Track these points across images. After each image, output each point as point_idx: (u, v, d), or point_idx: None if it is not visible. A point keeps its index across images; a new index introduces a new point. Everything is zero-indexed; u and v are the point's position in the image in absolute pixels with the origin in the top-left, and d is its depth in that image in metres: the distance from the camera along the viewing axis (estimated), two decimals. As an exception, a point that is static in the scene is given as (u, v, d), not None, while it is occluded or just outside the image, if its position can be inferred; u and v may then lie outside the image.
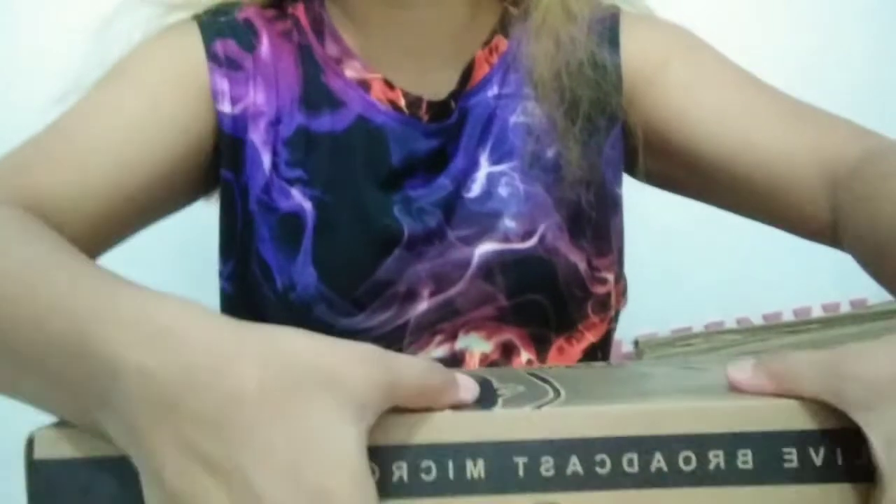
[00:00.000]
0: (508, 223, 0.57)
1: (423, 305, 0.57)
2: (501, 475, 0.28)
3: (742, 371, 0.32)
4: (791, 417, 0.29)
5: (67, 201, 0.49)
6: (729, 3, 1.08)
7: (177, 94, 0.55)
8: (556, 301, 0.58)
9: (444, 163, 0.58)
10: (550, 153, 0.59)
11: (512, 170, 0.58)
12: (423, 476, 0.28)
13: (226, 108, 0.56)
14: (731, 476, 0.28)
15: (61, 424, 0.31)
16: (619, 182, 0.62)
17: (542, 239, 0.57)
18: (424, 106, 0.59)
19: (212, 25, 0.58)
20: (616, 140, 0.61)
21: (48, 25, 0.92)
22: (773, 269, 1.08)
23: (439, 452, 0.29)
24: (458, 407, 0.30)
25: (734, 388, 0.32)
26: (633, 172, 0.63)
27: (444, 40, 0.60)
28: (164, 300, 0.29)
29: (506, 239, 0.57)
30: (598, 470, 0.28)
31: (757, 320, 1.07)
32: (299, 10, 0.61)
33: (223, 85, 0.56)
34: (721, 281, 1.11)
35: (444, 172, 0.58)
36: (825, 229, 0.53)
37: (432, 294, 0.57)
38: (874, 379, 0.27)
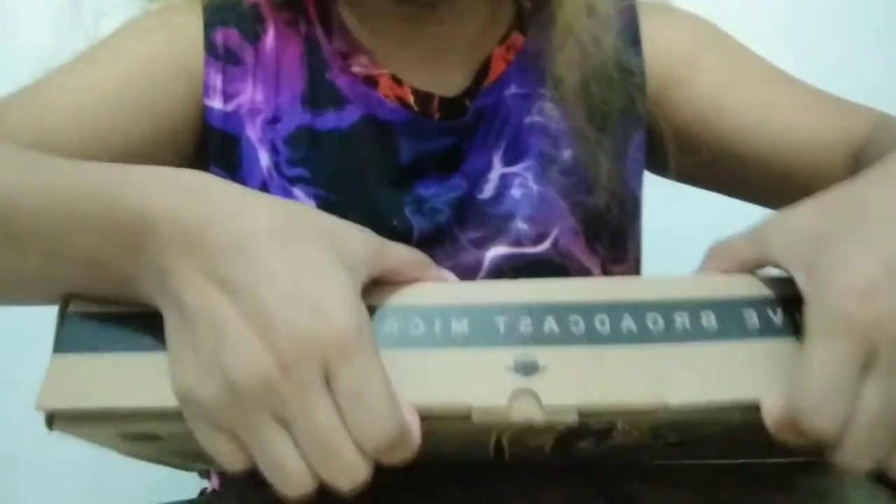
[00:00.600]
0: (520, 225, 0.56)
1: None
2: (484, 331, 0.31)
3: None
4: (748, 286, 0.32)
5: None
6: (740, 9, 1.08)
7: (163, 78, 0.53)
8: None
9: (458, 162, 0.57)
10: (567, 155, 0.57)
11: (525, 170, 0.57)
12: (412, 331, 0.31)
13: (216, 104, 0.54)
14: (696, 334, 0.30)
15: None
16: (640, 186, 0.61)
17: (555, 243, 0.56)
18: (436, 103, 0.57)
19: (217, 11, 0.56)
20: (639, 143, 0.60)
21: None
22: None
23: (427, 312, 0.32)
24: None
25: None
26: (660, 171, 0.62)
27: (461, 46, 0.58)
28: (176, 168, 0.33)
29: (517, 242, 0.56)
30: (573, 329, 0.30)
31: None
32: (309, 1, 0.59)
33: (216, 80, 0.54)
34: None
35: (458, 172, 0.56)
36: None
37: None
38: (790, 230, 0.32)
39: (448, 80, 0.57)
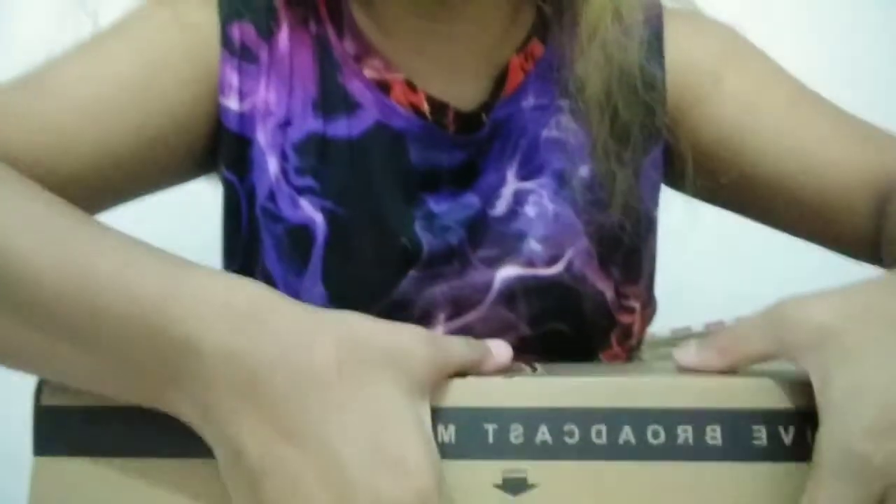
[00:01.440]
0: (534, 246, 0.53)
1: (438, 330, 0.52)
2: (471, 441, 0.28)
3: (686, 353, 0.32)
4: (760, 395, 0.29)
5: (44, 162, 0.44)
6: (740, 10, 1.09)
7: (180, 73, 0.50)
8: (579, 331, 0.54)
9: (472, 178, 0.54)
10: (584, 172, 0.55)
11: (541, 188, 0.54)
12: None
13: (232, 103, 0.52)
14: (699, 452, 0.28)
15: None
16: (656, 204, 0.59)
17: (569, 265, 0.53)
18: (451, 115, 0.54)
19: (232, 2, 0.53)
20: (656, 159, 0.57)
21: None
22: (773, 269, 1.08)
23: None
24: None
25: (683, 370, 0.32)
26: (678, 188, 0.60)
27: (477, 49, 0.55)
28: (231, 280, 0.31)
29: (530, 263, 0.53)
30: (567, 440, 0.28)
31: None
32: None
33: (233, 78, 0.52)
34: (721, 281, 1.10)
35: (471, 188, 0.54)
36: (868, 247, 0.52)
37: (449, 318, 0.53)
38: (813, 323, 0.29)
39: (463, 88, 0.55)
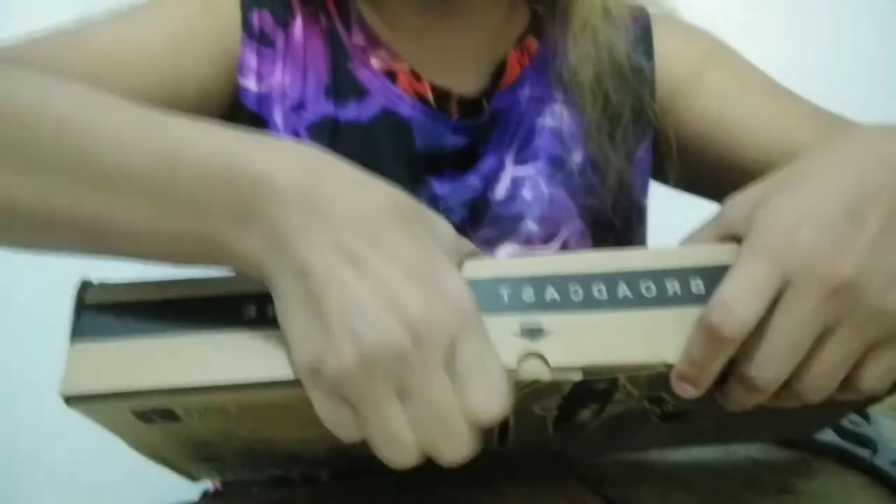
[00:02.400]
0: (531, 226, 0.57)
1: None
2: (488, 302, 0.32)
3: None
4: (733, 253, 0.32)
5: None
6: (729, 8, 1.09)
7: (206, 48, 0.53)
8: None
9: (473, 161, 0.57)
10: (577, 158, 0.58)
11: (537, 173, 0.58)
12: None
13: (251, 84, 0.55)
14: (686, 298, 0.32)
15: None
16: (645, 192, 0.62)
17: (564, 244, 0.57)
18: (454, 101, 0.57)
19: None
20: (647, 148, 0.61)
21: None
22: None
23: None
24: None
25: None
26: (660, 178, 0.63)
27: (477, 42, 0.59)
28: (297, 141, 0.34)
29: (527, 241, 0.57)
30: (573, 297, 0.32)
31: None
32: None
33: (251, 60, 0.55)
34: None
35: (472, 171, 0.57)
36: None
37: None
38: (743, 201, 0.34)
39: (465, 78, 0.58)
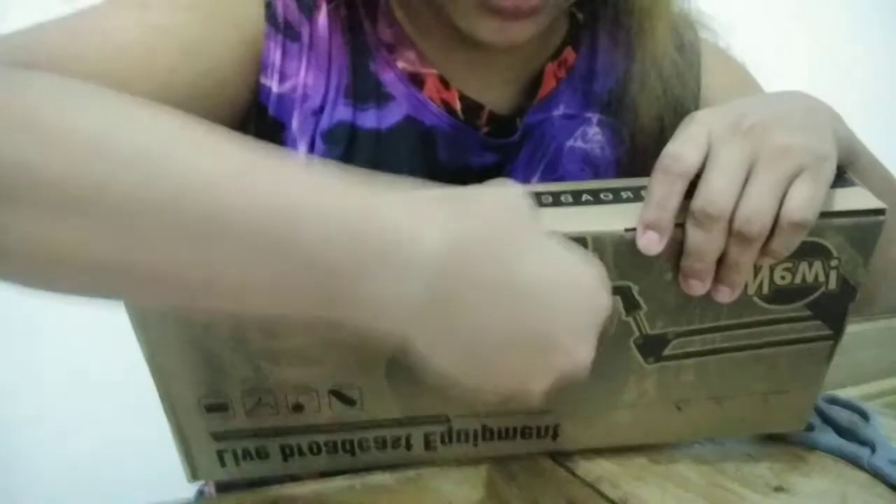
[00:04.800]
0: None
1: None
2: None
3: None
4: None
5: None
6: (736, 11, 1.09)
7: (227, 38, 0.47)
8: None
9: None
10: None
11: None
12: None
13: (273, 84, 0.50)
14: (637, 199, 0.40)
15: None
16: None
17: None
18: (485, 116, 0.53)
19: None
20: None
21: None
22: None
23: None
24: None
25: None
26: None
27: (514, 56, 0.54)
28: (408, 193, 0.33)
29: None
30: (583, 200, 0.41)
31: None
32: None
33: (276, 56, 0.49)
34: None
35: None
36: None
37: None
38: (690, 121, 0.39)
39: (498, 92, 0.54)
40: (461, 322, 0.31)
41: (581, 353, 0.33)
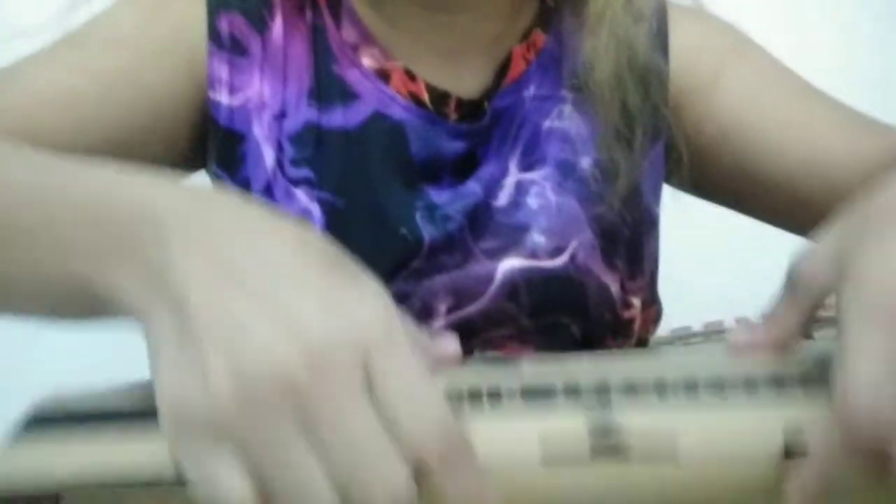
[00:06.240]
0: (537, 238, 0.53)
1: (438, 322, 0.52)
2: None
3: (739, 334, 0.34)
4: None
5: None
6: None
7: (163, 65, 0.49)
8: (583, 324, 0.53)
9: (473, 167, 0.53)
10: (586, 163, 0.54)
11: (544, 179, 0.54)
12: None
13: (222, 98, 0.50)
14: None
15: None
16: (657, 200, 0.58)
17: (573, 257, 0.53)
18: (453, 103, 0.53)
19: None
20: (658, 154, 0.57)
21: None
22: (772, 269, 1.09)
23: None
24: None
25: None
26: (672, 183, 0.59)
27: (480, 39, 0.55)
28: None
29: (533, 255, 0.52)
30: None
31: (756, 320, 1.07)
32: None
33: (222, 72, 0.50)
34: (721, 281, 1.11)
35: (473, 177, 0.53)
36: None
37: (450, 310, 0.52)
38: (821, 258, 0.32)
39: (465, 79, 0.54)
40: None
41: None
